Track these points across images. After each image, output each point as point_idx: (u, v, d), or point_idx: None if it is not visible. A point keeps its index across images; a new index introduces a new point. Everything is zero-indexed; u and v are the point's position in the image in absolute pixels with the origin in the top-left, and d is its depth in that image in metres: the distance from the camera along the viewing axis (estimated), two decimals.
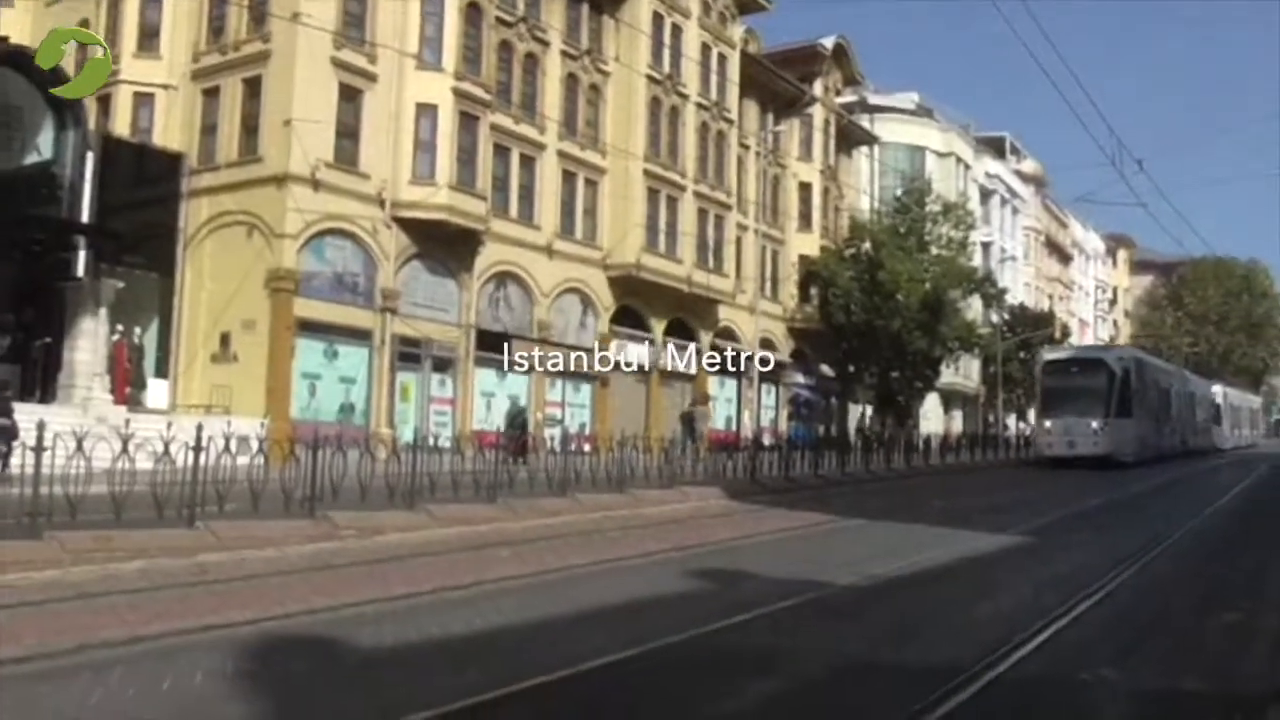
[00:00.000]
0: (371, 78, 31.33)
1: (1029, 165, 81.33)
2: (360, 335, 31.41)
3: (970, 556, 13.46)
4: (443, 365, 33.97)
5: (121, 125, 32.00)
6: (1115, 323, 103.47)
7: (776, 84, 49.45)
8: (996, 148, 75.42)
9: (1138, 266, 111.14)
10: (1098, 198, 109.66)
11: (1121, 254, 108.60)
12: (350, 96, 31.08)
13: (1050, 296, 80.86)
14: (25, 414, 18.53)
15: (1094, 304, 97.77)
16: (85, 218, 27.35)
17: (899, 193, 52.76)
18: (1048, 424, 39.87)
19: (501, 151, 35.36)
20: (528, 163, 36.69)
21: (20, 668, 6.84)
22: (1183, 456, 47.10)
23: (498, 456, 18.08)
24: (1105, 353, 44.92)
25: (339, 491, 14.80)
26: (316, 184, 29.77)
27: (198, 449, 12.91)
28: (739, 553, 13.39)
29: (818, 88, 52.24)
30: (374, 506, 14.88)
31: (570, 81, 38.48)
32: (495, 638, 8.23)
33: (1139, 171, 47.59)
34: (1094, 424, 37.57)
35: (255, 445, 14.82)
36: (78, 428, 12.67)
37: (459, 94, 32.50)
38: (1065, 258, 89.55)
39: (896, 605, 10.04)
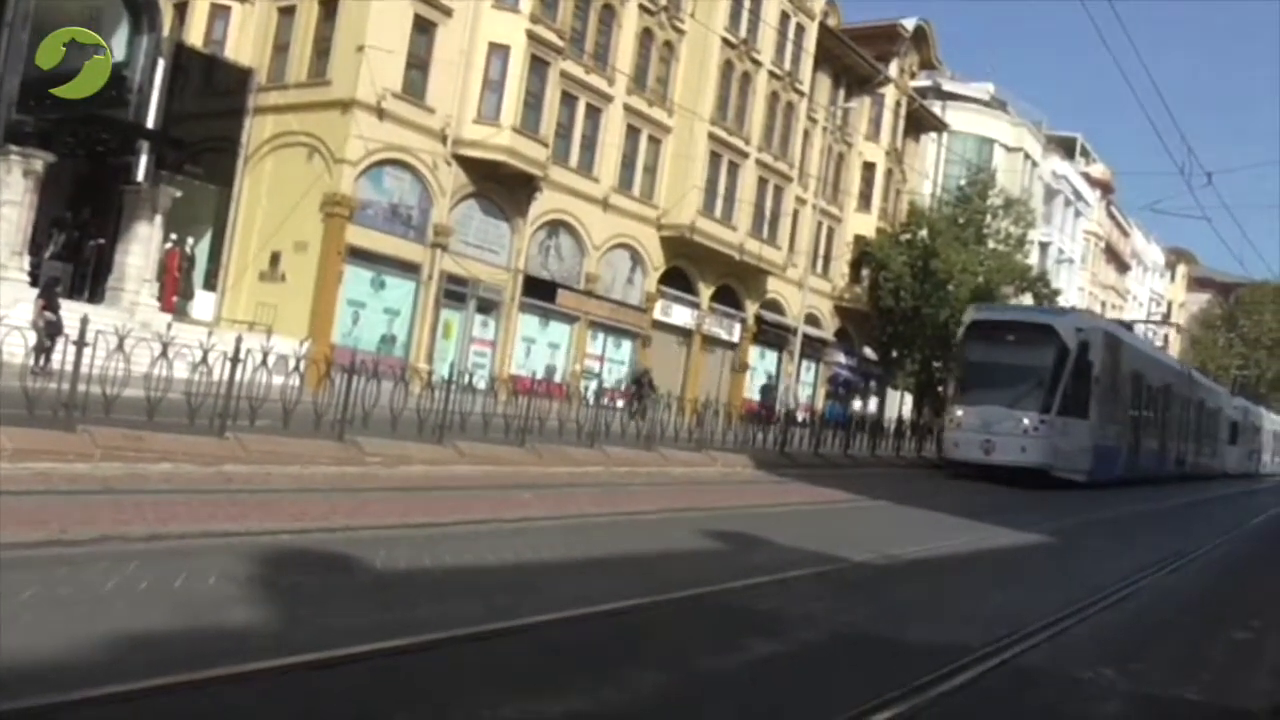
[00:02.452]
0: (447, 12, 31.28)
1: (1098, 169, 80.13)
2: (409, 268, 31.56)
3: (989, 548, 13.40)
4: (487, 307, 34.09)
5: (195, 35, 32.19)
6: (1166, 337, 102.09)
7: (852, 60, 48.89)
8: (1067, 148, 74.34)
9: (1196, 283, 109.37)
10: (1163, 208, 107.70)
11: (1181, 268, 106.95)
12: (424, 28, 31.06)
13: (1103, 304, 79.86)
14: (72, 311, 18.81)
15: (1146, 316, 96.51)
16: (150, 123, 27.57)
17: (962, 183, 52.16)
18: (959, 413, 27.59)
19: (568, 99, 35.26)
20: (593, 113, 36.57)
21: (41, 551, 6.97)
22: (1176, 481, 37.28)
23: (627, 408, 22.48)
24: (1059, 317, 29.59)
25: (370, 419, 14.93)
26: (381, 113, 29.84)
27: (235, 361, 13.05)
28: (759, 520, 13.39)
29: (893, 68, 51.64)
30: (403, 437, 15.01)
31: (645, 36, 38.24)
32: (506, 573, 8.29)
33: (1207, 184, 45.78)
34: (1024, 420, 25.91)
35: (292, 365, 14.98)
36: (121, 329, 12.86)
37: (532, 37, 32.38)
38: (1123, 266, 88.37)
39: (908, 586, 10.02)
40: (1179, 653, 8.17)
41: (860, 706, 5.36)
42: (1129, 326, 41.26)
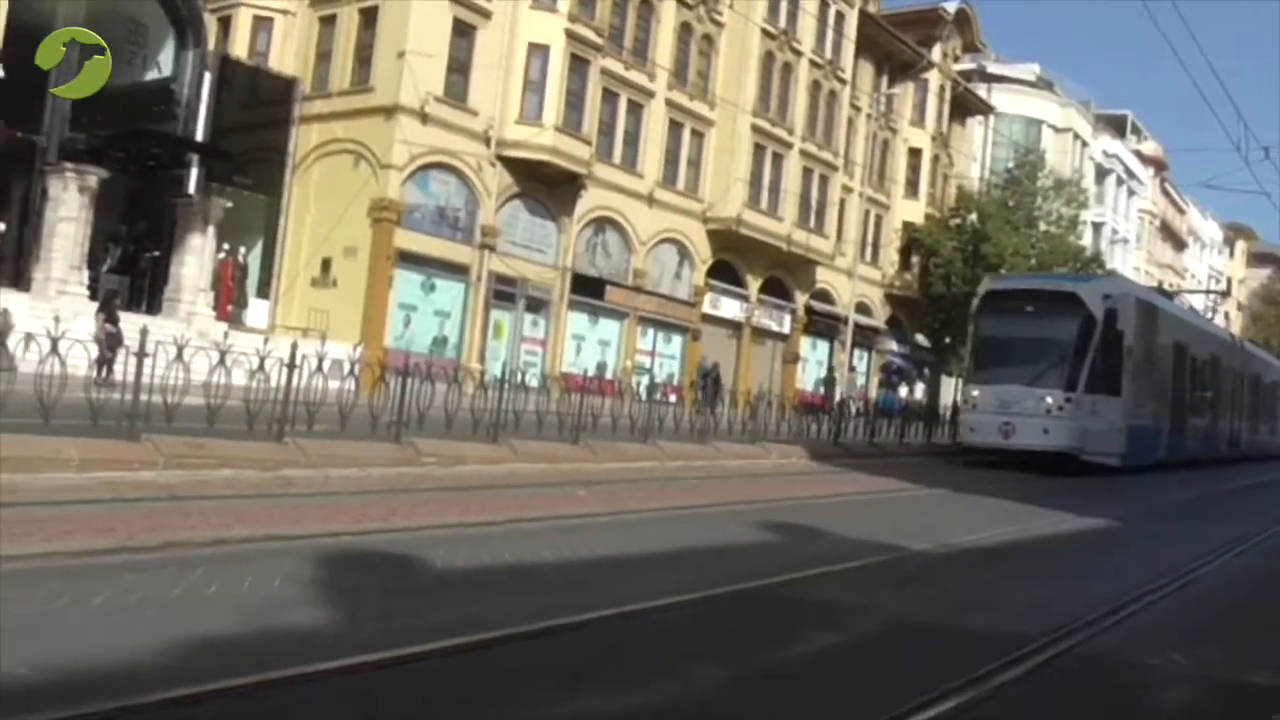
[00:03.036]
0: (486, 14, 31.44)
1: (1149, 146, 78.98)
2: (458, 270, 31.78)
3: (1049, 534, 13.29)
4: (536, 306, 34.26)
5: (239, 48, 32.61)
6: (1226, 315, 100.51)
7: (894, 46, 48.56)
8: (1117, 126, 73.35)
9: (1255, 259, 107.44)
10: (1218, 184, 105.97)
11: (1240, 244, 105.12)
12: (464, 32, 31.25)
13: (1160, 283, 78.76)
14: (131, 323, 19.13)
15: (1206, 293, 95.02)
16: (199, 136, 28.01)
17: (1011, 165, 51.65)
18: (975, 393, 25.12)
19: (610, 96, 35.33)
20: (635, 109, 36.61)
21: (110, 558, 7.12)
22: (1229, 462, 34.09)
23: (697, 402, 22.67)
24: (1083, 284, 27.20)
25: (425, 420, 15.06)
26: (425, 117, 30.06)
27: (291, 367, 13.22)
28: (815, 511, 13.36)
29: (936, 52, 51.24)
30: (458, 437, 15.13)
31: (684, 30, 38.23)
32: (564, 569, 8.35)
33: (1265, 159, 45.32)
34: (1047, 399, 23.47)
35: (347, 369, 15.16)
36: (179, 339, 13.08)
37: (572, 36, 32.49)
38: (1180, 244, 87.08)
39: (967, 575, 9.96)
40: (1247, 637, 8.06)
41: (921, 698, 5.34)
42: (1170, 295, 38.42)
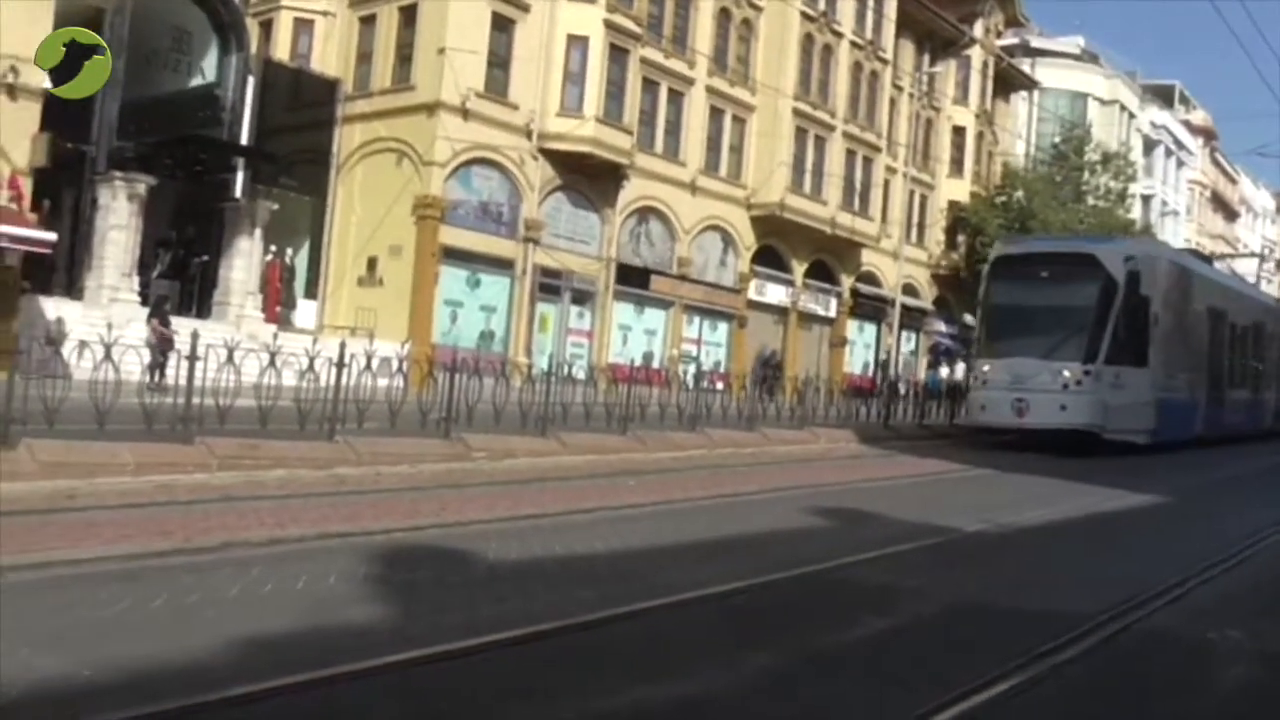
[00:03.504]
0: (524, 7, 31.45)
1: (1198, 116, 77.74)
2: (503, 265, 31.86)
3: (1102, 512, 13.15)
4: (582, 298, 34.29)
5: (281, 50, 32.82)
6: None
7: (935, 23, 48.02)
8: (1165, 96, 72.26)
9: None
10: (1269, 151, 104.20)
11: None
12: (503, 26, 31.28)
13: (1213, 254, 77.56)
14: (182, 327, 19.38)
15: (1259, 264, 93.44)
16: (244, 140, 28.24)
17: (1057, 140, 51.04)
18: (985, 367, 23.05)
19: (650, 85, 35.23)
20: (675, 98, 36.50)
21: (169, 560, 7.24)
22: (1277, 437, 31.74)
23: (756, 391, 22.58)
24: (1103, 245, 24.92)
25: (474, 415, 15.12)
26: (466, 113, 30.13)
27: (340, 367, 13.33)
28: (865, 494, 13.31)
29: (978, 29, 50.61)
30: (507, 431, 15.19)
31: (722, 16, 38.03)
32: (616, 560, 8.37)
33: None
34: (1064, 372, 21.49)
35: (395, 366, 15.27)
36: (229, 342, 13.23)
37: (610, 26, 32.43)
38: (1231, 214, 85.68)
39: (1022, 554, 9.89)
40: None
41: (978, 679, 5.31)
42: (1209, 258, 35.32)
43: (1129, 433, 22.29)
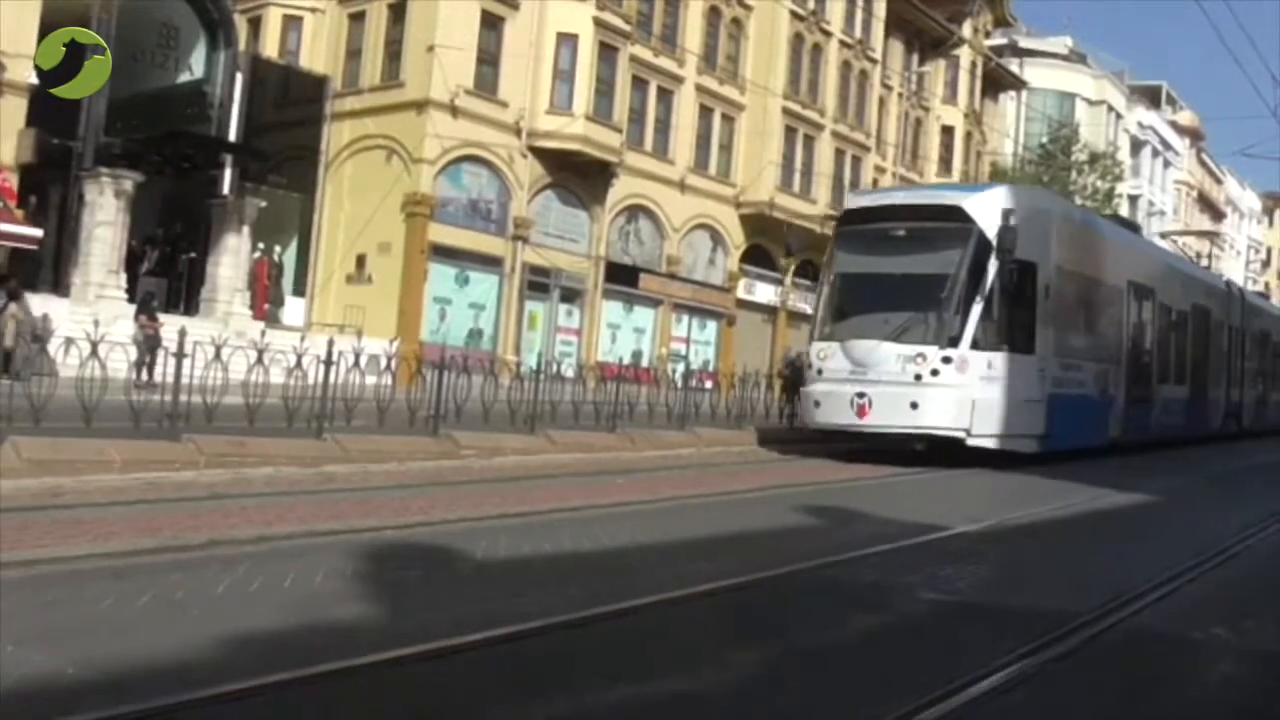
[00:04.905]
0: (513, 5, 31.48)
1: (1185, 116, 78.08)
2: (491, 262, 31.86)
3: (1089, 511, 13.17)
4: (571, 295, 34.30)
5: (270, 47, 32.81)
6: (1267, 285, 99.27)
7: (924, 23, 48.19)
8: (1152, 97, 72.56)
9: None
10: (1256, 152, 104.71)
11: (1279, 213, 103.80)
12: (492, 24, 31.29)
13: (1198, 254, 77.78)
14: (169, 324, 19.33)
15: (1245, 264, 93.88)
16: (233, 136, 28.20)
17: (1045, 140, 51.20)
18: (821, 353, 17.76)
19: (639, 84, 35.28)
20: (665, 96, 36.54)
21: (156, 558, 7.20)
22: (1227, 440, 28.39)
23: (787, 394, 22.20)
24: (974, 194, 19.07)
25: (462, 412, 15.11)
26: (455, 110, 30.13)
27: (328, 364, 13.31)
28: (855, 493, 13.32)
29: (966, 28, 50.79)
30: (495, 429, 15.18)
31: (712, 15, 38.10)
32: (605, 558, 8.37)
33: None
34: (917, 358, 16.72)
35: (384, 364, 15.25)
36: (217, 339, 13.19)
37: (600, 24, 32.47)
38: (1218, 215, 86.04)
39: (1010, 553, 9.89)
40: None
41: (966, 676, 5.31)
42: (1135, 226, 29.23)
43: (1007, 438, 17.40)
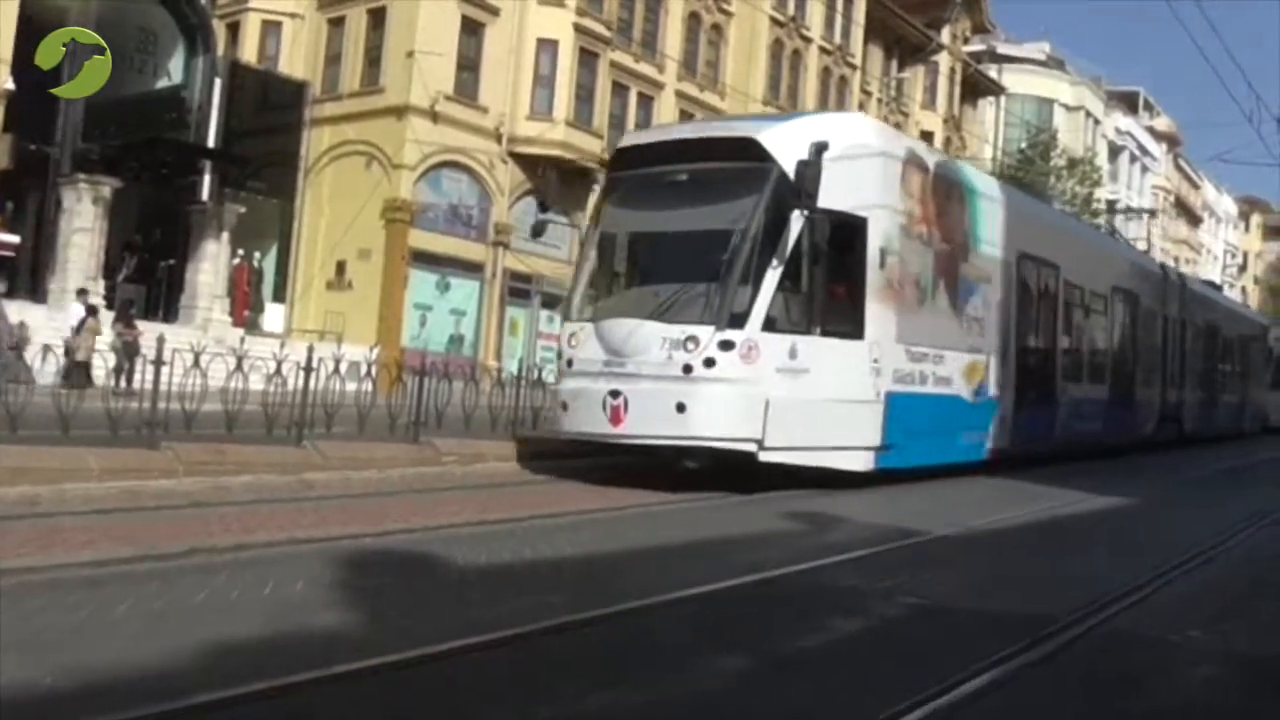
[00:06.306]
0: (493, 11, 31.47)
1: (1162, 122, 78.64)
2: (472, 268, 31.84)
3: (1069, 514, 13.23)
4: (552, 302, 34.22)
5: (249, 53, 32.74)
6: (1244, 289, 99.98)
7: (903, 29, 48.42)
8: (1129, 103, 73.04)
9: (1271, 232, 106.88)
10: (1232, 157, 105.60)
11: (1255, 218, 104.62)
12: (472, 30, 31.29)
13: (1176, 259, 78.37)
14: (148, 331, 19.24)
15: (1222, 269, 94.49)
16: (211, 142, 28.12)
17: (1024, 146, 51.46)
18: (571, 333, 13.75)
19: (619, 89, 35.32)
20: (645, 102, 36.59)
21: (134, 566, 7.16)
22: (1163, 449, 25.25)
23: None
24: (776, 126, 14.00)
25: (443, 419, 15.06)
26: (435, 116, 30.11)
27: (308, 371, 13.26)
28: (837, 497, 13.30)
29: (945, 35, 51.07)
30: (476, 435, 15.12)
31: (692, 21, 38.18)
32: (586, 563, 8.36)
33: (1278, 131, 44.93)
34: (687, 342, 12.28)
35: (364, 370, 15.20)
36: (196, 346, 13.13)
37: (580, 30, 32.50)
38: (1195, 219, 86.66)
39: (990, 557, 9.94)
40: (1270, 613, 8.02)
41: (946, 680, 5.33)
42: (1050, 201, 24.87)
43: (823, 451, 13.31)
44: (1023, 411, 18.01)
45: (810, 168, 12.49)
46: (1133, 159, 70.14)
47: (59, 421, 11.00)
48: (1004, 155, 53.01)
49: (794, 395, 12.63)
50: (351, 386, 14.77)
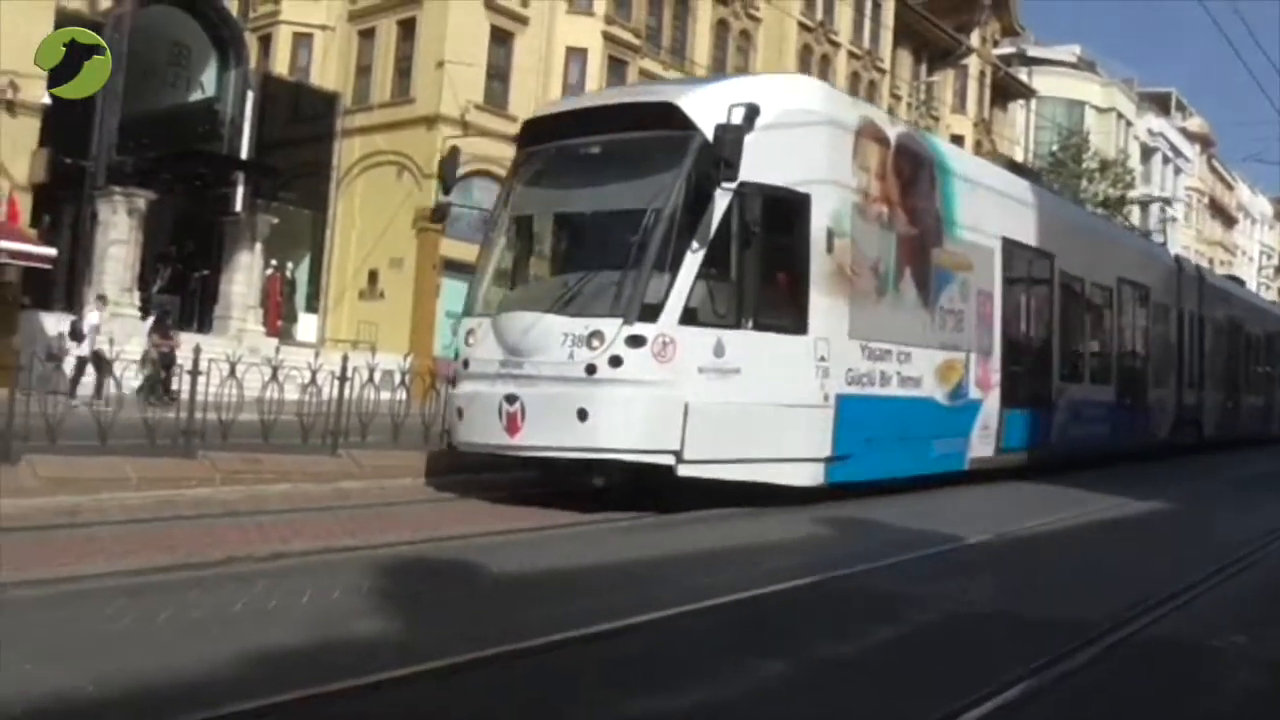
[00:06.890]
0: (523, 20, 31.56)
1: (1195, 123, 77.88)
2: None
3: (1103, 520, 13.11)
4: None
5: (280, 65, 32.97)
6: None
7: (932, 33, 48.21)
8: (1161, 104, 72.41)
9: None
10: (1267, 157, 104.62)
11: None
12: (502, 39, 31.40)
13: (1210, 261, 77.62)
14: (183, 342, 19.39)
15: (1258, 270, 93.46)
16: (244, 154, 28.34)
17: (1055, 149, 51.12)
18: (468, 329, 12.03)
19: None
20: None
21: (173, 575, 7.21)
22: (1172, 455, 22.76)
23: None
24: (699, 89, 12.34)
25: None
26: (466, 125, 30.21)
27: (343, 380, 13.33)
28: (872, 504, 13.21)
29: (975, 38, 50.80)
30: None
31: (720, 28, 38.16)
32: (617, 571, 8.35)
33: None
34: (592, 338, 10.54)
35: (398, 379, 15.26)
36: (231, 356, 13.23)
37: (609, 38, 32.55)
38: (1229, 221, 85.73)
39: (1026, 563, 9.85)
40: None
41: (985, 687, 5.28)
42: (1030, 170, 23.55)
43: (757, 463, 11.56)
44: (1011, 415, 16.18)
45: (730, 133, 10.75)
46: (1165, 160, 69.53)
47: (97, 432, 11.10)
48: (1036, 158, 52.68)
49: (720, 399, 11.02)
50: (385, 395, 14.82)
